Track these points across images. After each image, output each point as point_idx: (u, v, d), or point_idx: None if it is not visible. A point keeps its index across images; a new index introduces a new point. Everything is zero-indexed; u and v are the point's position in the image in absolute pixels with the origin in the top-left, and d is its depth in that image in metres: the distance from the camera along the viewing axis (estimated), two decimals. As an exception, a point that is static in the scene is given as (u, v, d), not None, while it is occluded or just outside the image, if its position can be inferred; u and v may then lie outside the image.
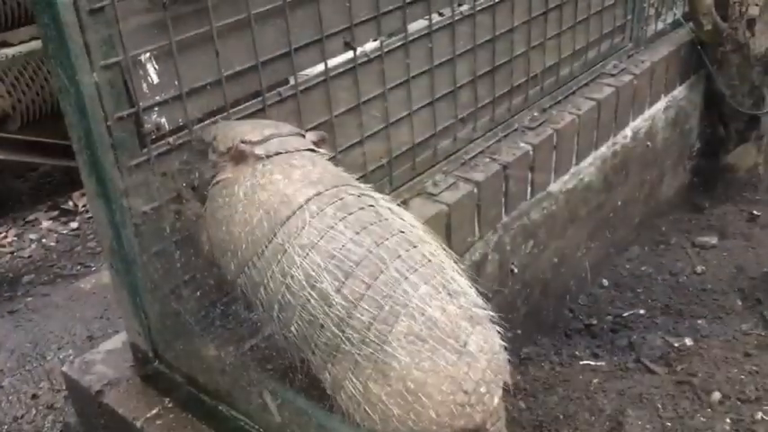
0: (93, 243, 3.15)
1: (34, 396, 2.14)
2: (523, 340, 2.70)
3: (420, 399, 1.27)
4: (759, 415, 2.16)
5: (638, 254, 3.17)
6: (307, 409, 1.34)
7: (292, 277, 1.31)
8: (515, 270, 2.53)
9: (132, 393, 1.65)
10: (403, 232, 1.37)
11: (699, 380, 2.33)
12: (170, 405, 1.61)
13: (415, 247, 1.36)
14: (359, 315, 1.28)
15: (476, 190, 2.26)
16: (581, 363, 2.57)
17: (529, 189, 2.50)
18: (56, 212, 3.44)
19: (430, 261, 1.36)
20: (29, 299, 2.69)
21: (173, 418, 1.58)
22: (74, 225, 3.31)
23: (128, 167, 1.48)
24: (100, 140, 1.38)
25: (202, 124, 1.61)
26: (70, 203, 3.47)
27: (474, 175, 2.30)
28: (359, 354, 1.28)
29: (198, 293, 1.51)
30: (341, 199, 1.37)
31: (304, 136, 1.53)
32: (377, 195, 1.46)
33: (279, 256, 1.33)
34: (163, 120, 1.55)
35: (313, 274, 1.30)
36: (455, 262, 1.43)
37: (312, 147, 1.50)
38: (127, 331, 1.66)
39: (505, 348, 1.41)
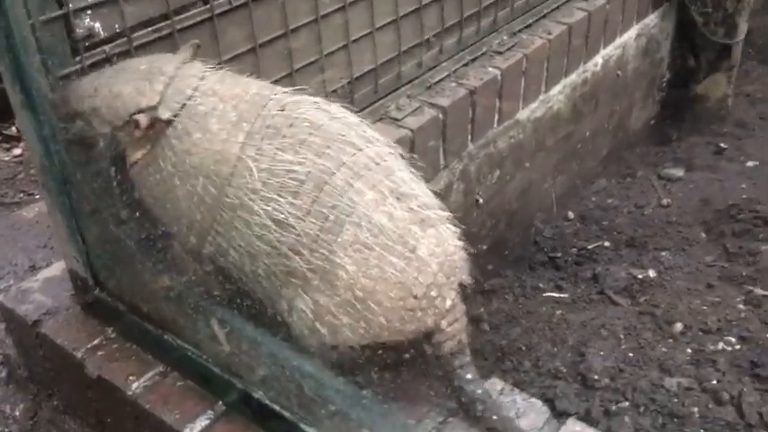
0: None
1: (-27, 328, 2.03)
2: (488, 272, 2.65)
3: (369, 306, 1.27)
4: (720, 345, 2.16)
5: (604, 186, 3.13)
6: (256, 338, 1.27)
7: (255, 224, 1.27)
8: (481, 200, 2.47)
9: (72, 323, 1.57)
10: (343, 135, 1.29)
11: (661, 311, 2.32)
12: (113, 335, 1.53)
13: (360, 150, 1.30)
14: (307, 229, 1.25)
15: (441, 116, 2.16)
16: (544, 295, 2.54)
17: (496, 116, 2.42)
18: (-2, 138, 3.26)
19: (378, 164, 1.31)
20: (-32, 228, 2.54)
21: (116, 348, 1.50)
22: (17, 152, 3.15)
23: (58, 77, 1.34)
24: (23, 44, 1.24)
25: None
26: (13, 129, 3.28)
27: (440, 101, 2.20)
28: (308, 267, 1.26)
29: (138, 215, 1.40)
30: (268, 126, 1.28)
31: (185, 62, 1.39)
32: (300, 98, 1.35)
33: (238, 212, 1.28)
34: (97, 25, 1.40)
35: (269, 209, 1.25)
36: (405, 161, 1.37)
37: (203, 72, 1.36)
38: (64, 257, 1.55)
39: (462, 248, 1.38)
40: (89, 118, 1.33)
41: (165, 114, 1.30)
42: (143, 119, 1.28)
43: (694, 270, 2.52)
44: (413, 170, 1.38)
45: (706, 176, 3.04)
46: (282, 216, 1.25)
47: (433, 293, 1.31)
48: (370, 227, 1.25)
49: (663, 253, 2.63)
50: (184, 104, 1.31)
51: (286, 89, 1.37)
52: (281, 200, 1.25)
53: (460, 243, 1.37)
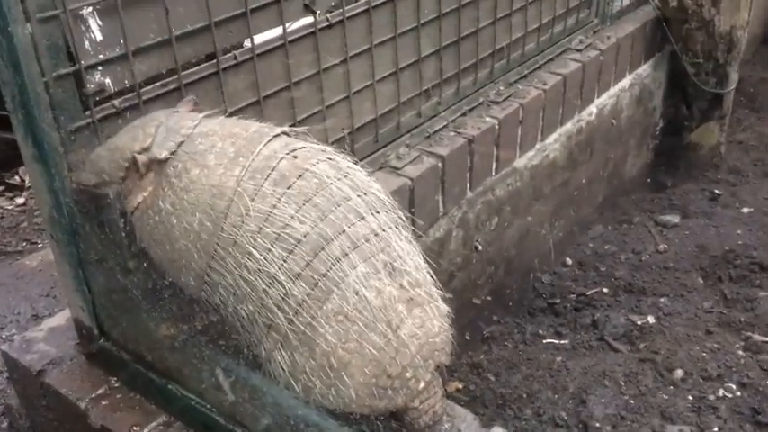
0: (40, 219, 3.02)
1: (-25, 378, 2.03)
2: (488, 319, 2.66)
3: (342, 377, 1.27)
4: (720, 392, 2.16)
5: (601, 232, 3.15)
6: (261, 387, 1.27)
7: (246, 266, 1.27)
8: (479, 247, 2.49)
9: (76, 372, 1.56)
10: (348, 200, 1.29)
11: (661, 357, 2.32)
12: (117, 384, 1.53)
13: (362, 218, 1.29)
14: (295, 291, 1.24)
15: (440, 164, 2.20)
16: (544, 341, 2.55)
17: (494, 164, 2.46)
18: (1, 188, 3.29)
19: (376, 235, 1.29)
20: (-30, 277, 2.55)
21: (120, 398, 1.50)
22: (20, 201, 3.18)
23: (69, 130, 1.38)
24: (36, 100, 1.27)
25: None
26: (16, 178, 3.32)
27: (438, 150, 2.24)
28: (289, 327, 1.26)
29: (145, 265, 1.42)
30: (273, 169, 1.28)
31: (178, 111, 1.44)
32: (310, 148, 1.35)
33: (231, 249, 1.27)
34: (107, 80, 1.45)
35: (261, 258, 1.25)
36: (407, 233, 1.37)
37: (199, 117, 1.39)
38: (69, 307, 1.56)
39: (449, 329, 1.38)
40: (100, 184, 1.38)
41: (161, 154, 1.32)
42: (141, 158, 1.32)
43: (693, 316, 2.53)
44: (412, 233, 1.38)
45: (702, 223, 3.07)
46: (273, 270, 1.25)
47: (408, 374, 1.31)
48: (357, 300, 1.25)
49: (661, 299, 2.65)
50: (181, 142, 1.33)
51: (286, 128, 1.38)
52: (274, 251, 1.25)
53: (446, 324, 1.37)
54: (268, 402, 1.27)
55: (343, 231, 1.26)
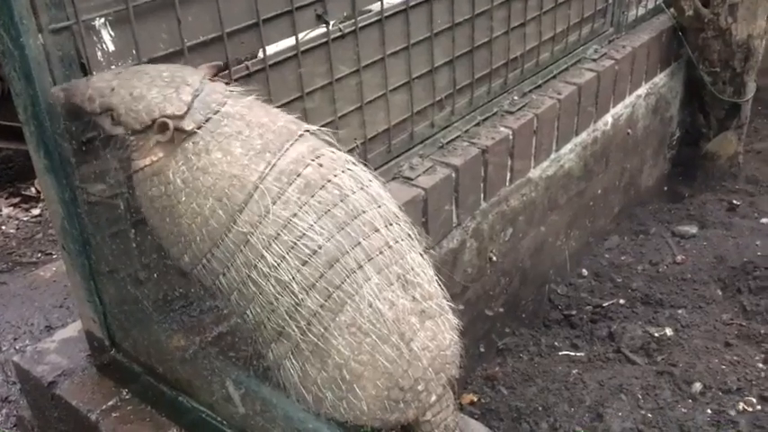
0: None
1: (-12, 389, 2.03)
2: (502, 331, 2.63)
3: (354, 389, 1.26)
4: (741, 405, 2.13)
5: (617, 243, 3.12)
6: (272, 399, 1.26)
7: (256, 267, 1.24)
8: (494, 258, 2.47)
9: (87, 384, 1.56)
10: (365, 212, 1.27)
11: (679, 370, 2.29)
12: (127, 396, 1.52)
13: (377, 231, 1.27)
14: (308, 302, 1.23)
15: (454, 174, 2.18)
16: (560, 353, 2.52)
17: (508, 175, 2.44)
18: (17, 199, 3.32)
19: (390, 248, 1.28)
20: (-15, 287, 2.57)
21: (130, 409, 1.49)
22: (35, 212, 3.20)
23: (82, 141, 1.38)
24: (48, 110, 1.27)
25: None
26: (32, 190, 3.35)
27: (452, 160, 2.22)
28: (301, 338, 1.25)
29: (156, 276, 1.41)
30: (299, 175, 1.25)
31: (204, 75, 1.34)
32: (335, 156, 1.31)
33: (242, 247, 1.25)
34: (120, 91, 1.44)
35: (275, 263, 1.24)
36: (419, 246, 1.35)
37: (228, 93, 1.32)
38: (81, 318, 1.55)
39: (458, 342, 1.38)
40: (101, 118, 1.29)
41: (189, 126, 1.25)
42: (169, 123, 1.24)
43: (712, 328, 2.49)
44: (424, 245, 1.38)
45: (720, 233, 3.03)
46: (286, 278, 1.23)
47: (420, 387, 1.30)
48: (370, 312, 1.24)
49: (679, 311, 2.61)
50: (209, 119, 1.27)
51: (311, 127, 1.34)
52: (289, 260, 1.23)
53: (456, 337, 1.37)
54: (279, 415, 1.26)
55: (359, 244, 1.25)
